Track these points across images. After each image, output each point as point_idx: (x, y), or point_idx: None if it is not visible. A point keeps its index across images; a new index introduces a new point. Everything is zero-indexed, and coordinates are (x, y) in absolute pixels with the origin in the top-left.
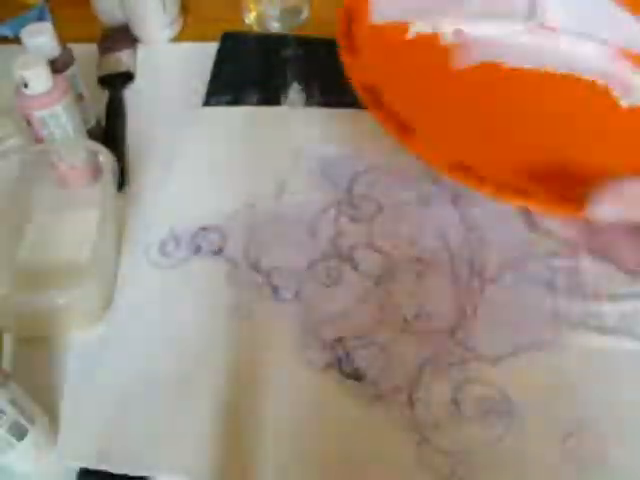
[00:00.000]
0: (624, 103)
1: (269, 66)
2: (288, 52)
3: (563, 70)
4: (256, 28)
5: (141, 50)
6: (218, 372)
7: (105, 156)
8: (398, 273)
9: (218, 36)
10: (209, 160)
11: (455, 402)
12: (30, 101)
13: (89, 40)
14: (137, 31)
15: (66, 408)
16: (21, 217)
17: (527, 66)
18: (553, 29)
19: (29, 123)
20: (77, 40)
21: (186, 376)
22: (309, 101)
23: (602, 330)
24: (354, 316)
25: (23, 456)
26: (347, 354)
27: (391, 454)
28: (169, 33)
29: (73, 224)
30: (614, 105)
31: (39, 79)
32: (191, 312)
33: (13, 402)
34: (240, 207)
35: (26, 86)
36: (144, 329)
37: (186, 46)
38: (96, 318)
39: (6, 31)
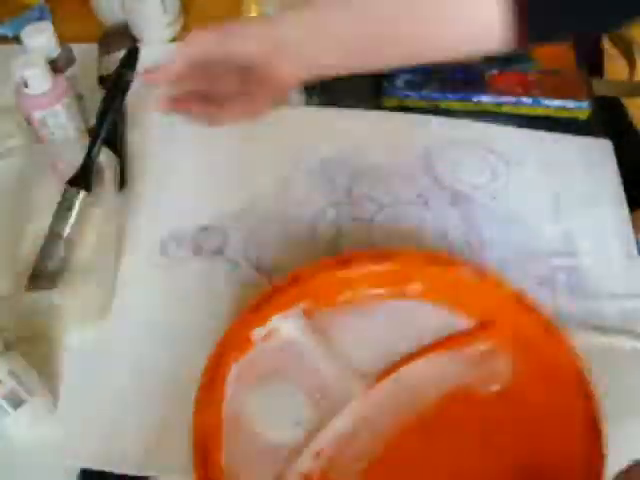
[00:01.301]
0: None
1: None
2: None
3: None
4: None
5: (141, 50)
6: None
7: (106, 156)
8: None
9: None
10: (209, 160)
11: None
12: (30, 101)
13: (89, 40)
14: (137, 31)
15: (65, 408)
16: (21, 217)
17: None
18: None
19: (29, 123)
20: (77, 40)
21: (186, 376)
22: (309, 101)
23: (602, 329)
24: None
25: (17, 424)
26: None
27: None
28: (169, 33)
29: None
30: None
31: (39, 79)
32: (191, 312)
33: (11, 372)
34: (240, 207)
35: (26, 86)
36: (144, 329)
37: None
38: (95, 318)
39: (6, 31)
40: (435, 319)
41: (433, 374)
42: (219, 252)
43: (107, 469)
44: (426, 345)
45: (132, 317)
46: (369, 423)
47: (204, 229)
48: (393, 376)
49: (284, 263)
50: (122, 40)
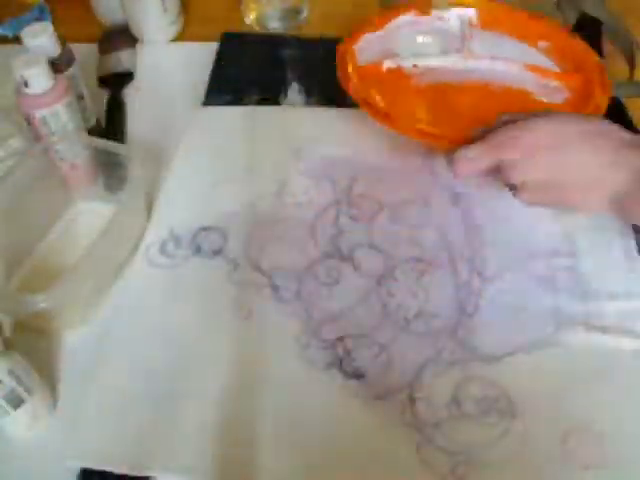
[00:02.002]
0: (545, 100)
1: (269, 66)
2: (288, 52)
3: (487, 81)
4: (256, 28)
5: (141, 50)
6: (218, 372)
7: (137, 158)
8: (398, 273)
9: (218, 36)
10: (209, 160)
11: (455, 401)
12: (31, 100)
13: (89, 40)
14: (137, 31)
15: (65, 408)
16: (21, 217)
17: (462, 81)
18: (476, 56)
19: (30, 123)
20: (77, 40)
21: (186, 376)
22: (309, 101)
23: (602, 330)
24: (355, 316)
25: (17, 424)
26: (348, 354)
27: (391, 453)
28: (169, 33)
29: (73, 224)
30: (535, 101)
31: (39, 79)
32: (191, 312)
33: (11, 372)
34: (240, 207)
35: (26, 86)
36: (144, 329)
37: (186, 46)
38: (89, 317)
39: (6, 31)
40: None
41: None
42: (219, 252)
43: (107, 469)
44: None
45: (131, 317)
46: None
47: (204, 229)
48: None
49: (284, 262)
50: (122, 40)
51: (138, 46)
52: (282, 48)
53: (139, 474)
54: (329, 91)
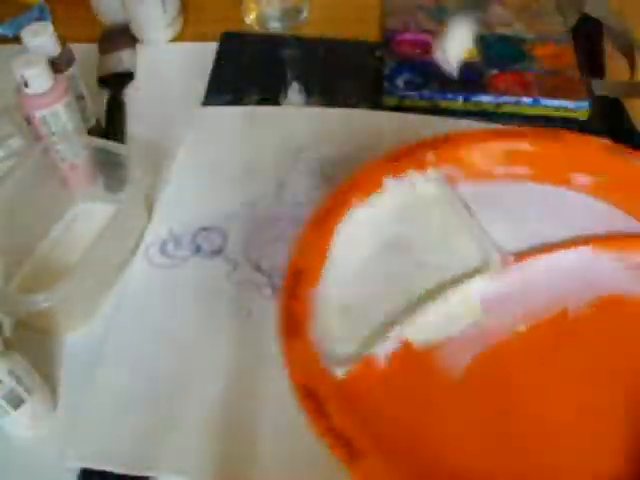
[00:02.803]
0: None
1: (269, 66)
2: (288, 52)
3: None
4: (256, 28)
5: (141, 50)
6: (218, 372)
7: (138, 159)
8: None
9: (218, 36)
10: (209, 160)
11: None
12: (30, 100)
13: (89, 40)
14: (137, 31)
15: (65, 408)
16: (20, 217)
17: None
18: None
19: (29, 122)
20: (77, 40)
21: (186, 376)
22: (309, 100)
23: None
24: None
25: (17, 424)
26: None
27: None
28: (169, 33)
29: (73, 224)
30: None
31: (39, 78)
32: (191, 312)
33: (11, 372)
34: (240, 207)
35: (26, 85)
36: (144, 329)
37: (186, 46)
38: (89, 317)
39: (6, 31)
40: (599, 214)
41: (584, 271)
42: (218, 252)
43: (107, 469)
44: (583, 237)
45: (132, 317)
46: (496, 307)
47: (204, 229)
48: (535, 260)
49: (284, 262)
50: (122, 40)
51: (138, 46)
52: (282, 48)
53: (139, 474)
54: (329, 91)
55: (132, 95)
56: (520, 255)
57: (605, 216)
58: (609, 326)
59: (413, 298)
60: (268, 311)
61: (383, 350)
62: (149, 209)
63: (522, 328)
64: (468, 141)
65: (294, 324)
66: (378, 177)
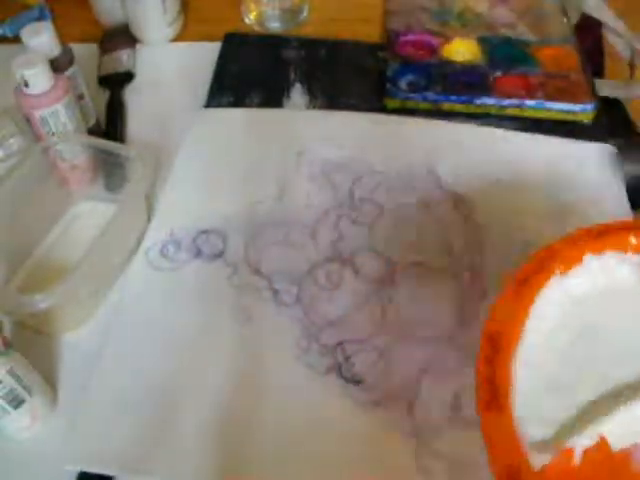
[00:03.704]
0: None
1: (271, 67)
2: (291, 53)
3: None
4: (256, 28)
5: (141, 50)
6: (218, 375)
7: (139, 159)
8: (399, 277)
9: (218, 36)
10: (210, 162)
11: (454, 408)
12: (31, 100)
13: (89, 40)
14: (137, 31)
15: (65, 408)
16: (20, 217)
17: None
18: None
19: (29, 122)
20: (77, 40)
21: (185, 378)
22: (312, 102)
23: None
24: (354, 320)
25: (17, 424)
26: (347, 358)
27: (390, 459)
28: (169, 33)
29: (73, 224)
30: None
31: (40, 78)
32: (191, 315)
33: (11, 372)
34: (241, 210)
35: (27, 85)
36: (144, 331)
37: (186, 46)
38: (89, 317)
39: (6, 31)
40: None
41: None
42: (219, 255)
43: (107, 469)
44: None
45: (131, 318)
46: None
47: (204, 232)
48: None
49: (284, 266)
50: (122, 40)
51: (138, 46)
52: (285, 49)
53: (138, 476)
54: (332, 92)
55: (132, 95)
56: None
57: None
58: None
59: (612, 389)
60: (268, 315)
61: (580, 443)
62: (148, 209)
63: None
64: None
65: (495, 395)
66: (579, 252)
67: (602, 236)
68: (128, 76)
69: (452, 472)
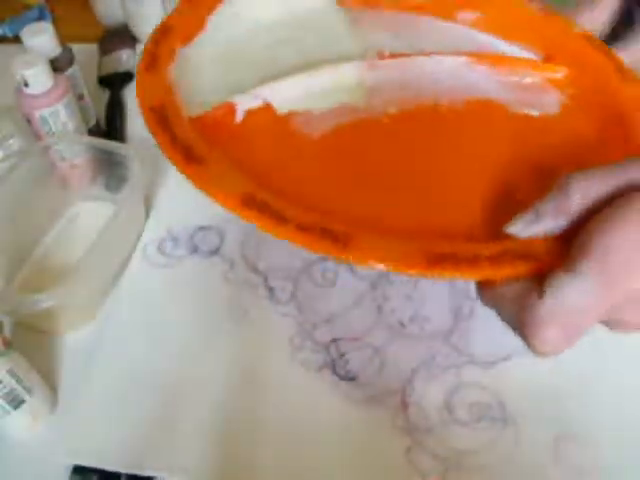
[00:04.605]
0: (529, 112)
1: None
2: None
3: (419, 102)
4: None
5: (141, 50)
6: (215, 371)
7: (138, 159)
8: (394, 276)
9: None
10: None
11: (447, 406)
12: (31, 100)
13: (89, 40)
14: (137, 31)
15: (65, 408)
16: (21, 217)
17: (376, 115)
18: (391, 56)
19: (30, 122)
20: (77, 40)
21: (183, 375)
22: None
23: (598, 332)
24: (349, 318)
25: (17, 424)
26: (341, 356)
27: (382, 456)
28: None
29: (73, 224)
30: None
31: (39, 78)
32: (188, 311)
33: (11, 372)
34: None
35: (26, 85)
36: (142, 328)
37: None
38: (89, 317)
39: (6, 31)
40: (487, 45)
41: (457, 75)
42: (215, 252)
43: (104, 468)
44: (460, 51)
45: (129, 316)
46: (368, 92)
47: (201, 228)
48: (410, 60)
49: (280, 263)
50: (122, 40)
51: (138, 46)
52: None
53: (139, 474)
54: None
55: (132, 95)
56: (396, 54)
57: (488, 42)
58: (475, 122)
59: (285, 69)
60: (263, 311)
61: (243, 103)
62: (148, 209)
63: (393, 110)
64: None
65: (153, 62)
66: None
67: None
68: (128, 76)
69: (445, 470)
